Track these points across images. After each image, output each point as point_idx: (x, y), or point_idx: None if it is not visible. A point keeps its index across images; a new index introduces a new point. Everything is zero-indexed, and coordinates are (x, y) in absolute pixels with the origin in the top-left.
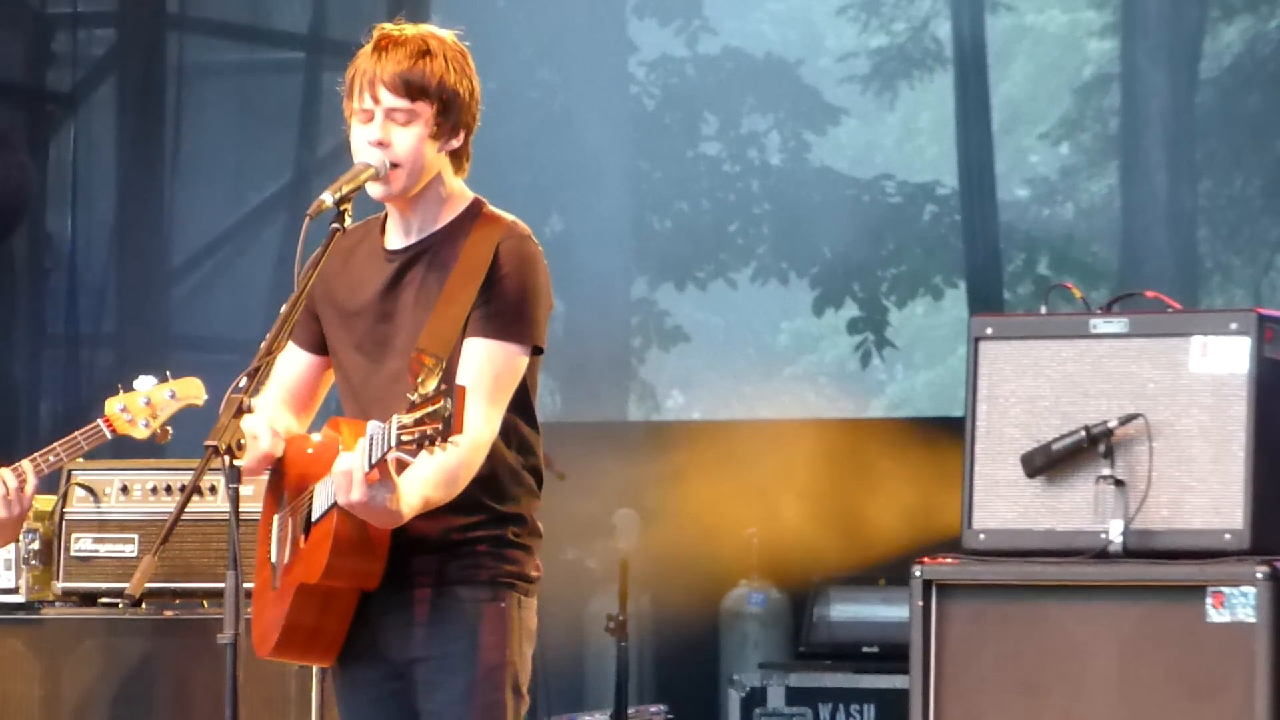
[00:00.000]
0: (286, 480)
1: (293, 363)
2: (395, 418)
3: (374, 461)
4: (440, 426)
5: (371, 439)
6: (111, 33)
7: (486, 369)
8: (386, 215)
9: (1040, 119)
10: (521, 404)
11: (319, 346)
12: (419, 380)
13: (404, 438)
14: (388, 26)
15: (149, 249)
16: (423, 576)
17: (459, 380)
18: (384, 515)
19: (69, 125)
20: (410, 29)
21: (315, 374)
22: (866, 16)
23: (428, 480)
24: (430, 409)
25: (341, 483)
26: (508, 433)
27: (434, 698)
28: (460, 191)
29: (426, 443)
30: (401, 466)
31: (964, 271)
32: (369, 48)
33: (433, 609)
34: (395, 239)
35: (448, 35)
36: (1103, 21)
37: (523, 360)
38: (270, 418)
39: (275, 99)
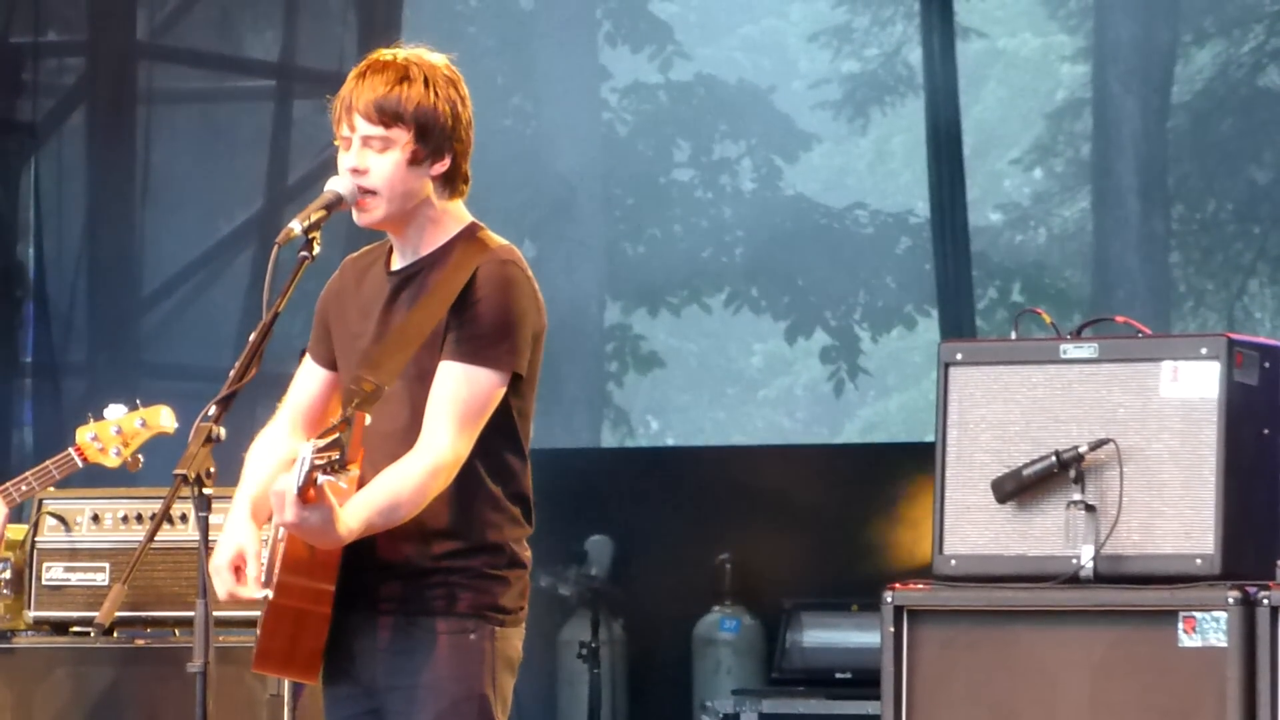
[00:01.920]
0: None
1: (309, 380)
2: (311, 442)
3: (300, 484)
4: (338, 456)
5: (301, 461)
6: (81, 61)
7: (454, 393)
8: None
9: (1013, 144)
10: (506, 430)
11: (334, 363)
12: (346, 406)
13: (317, 461)
14: (381, 52)
15: (119, 278)
16: (387, 603)
17: (429, 404)
18: (318, 536)
19: (39, 154)
20: (402, 54)
21: (329, 391)
22: (838, 43)
23: (370, 503)
24: (332, 437)
25: (275, 503)
26: (488, 459)
27: None
28: (455, 214)
29: (330, 469)
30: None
31: (936, 300)
32: (353, 74)
33: (401, 636)
34: (396, 261)
35: (440, 60)
36: (1075, 46)
37: (498, 386)
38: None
39: (245, 127)
